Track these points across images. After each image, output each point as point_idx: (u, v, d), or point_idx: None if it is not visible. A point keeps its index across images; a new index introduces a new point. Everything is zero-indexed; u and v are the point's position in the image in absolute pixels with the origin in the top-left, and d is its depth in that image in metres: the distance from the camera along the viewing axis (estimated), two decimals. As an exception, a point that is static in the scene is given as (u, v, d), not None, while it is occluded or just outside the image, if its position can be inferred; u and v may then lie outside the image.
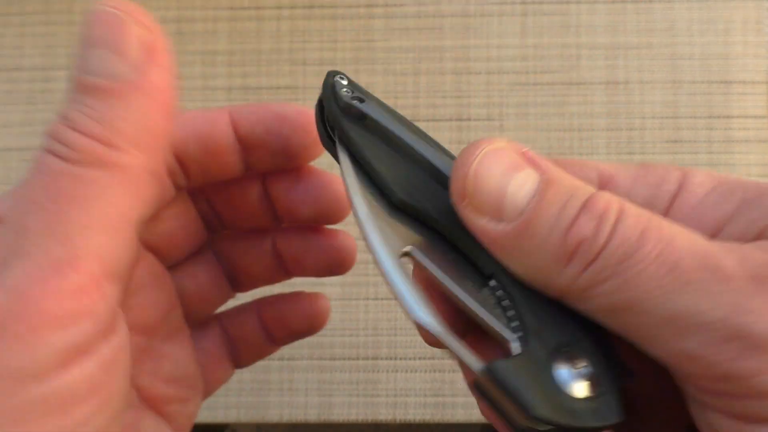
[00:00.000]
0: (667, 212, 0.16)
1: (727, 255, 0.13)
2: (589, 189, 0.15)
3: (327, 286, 0.42)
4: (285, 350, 0.42)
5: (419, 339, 0.42)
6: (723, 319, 0.13)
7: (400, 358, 0.41)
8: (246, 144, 0.21)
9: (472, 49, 0.42)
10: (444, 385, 0.41)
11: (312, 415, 0.41)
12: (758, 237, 0.15)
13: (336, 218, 0.24)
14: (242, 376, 0.41)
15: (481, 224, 0.15)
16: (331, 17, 0.43)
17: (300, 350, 0.41)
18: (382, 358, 0.41)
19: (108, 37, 0.15)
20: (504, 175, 0.15)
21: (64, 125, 0.15)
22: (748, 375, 0.12)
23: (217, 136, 0.20)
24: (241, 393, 0.41)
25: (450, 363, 0.41)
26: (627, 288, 0.13)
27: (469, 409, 0.41)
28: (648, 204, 0.16)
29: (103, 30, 0.15)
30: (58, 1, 0.43)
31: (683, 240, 0.14)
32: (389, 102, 0.42)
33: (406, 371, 0.41)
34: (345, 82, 0.20)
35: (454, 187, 0.16)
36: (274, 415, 0.41)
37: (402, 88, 0.42)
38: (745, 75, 0.42)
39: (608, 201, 0.14)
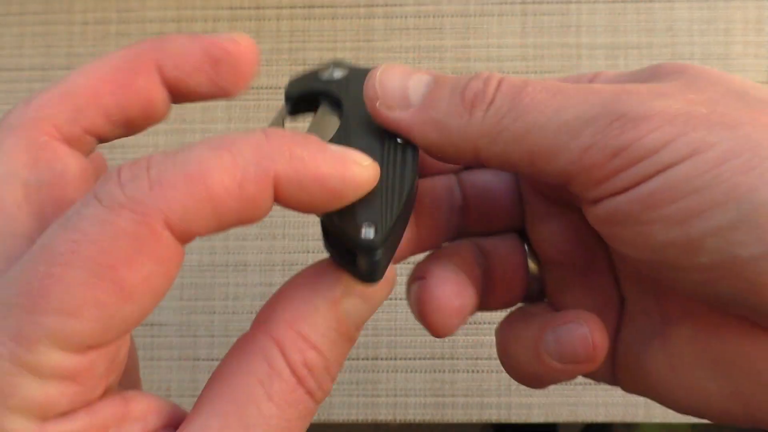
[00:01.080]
0: None
1: (599, 85, 0.17)
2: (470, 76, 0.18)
3: (327, 286, 0.42)
4: (285, 350, 0.42)
5: (419, 339, 0.42)
6: (603, 110, 0.15)
7: (400, 358, 0.41)
8: (174, 92, 0.19)
9: (472, 49, 0.42)
10: (444, 385, 0.41)
11: (312, 416, 0.41)
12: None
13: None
14: (242, 376, 0.41)
15: (393, 115, 0.18)
16: (331, 17, 0.43)
17: (300, 350, 0.41)
18: (382, 359, 0.41)
19: (375, 295, 0.18)
20: (403, 76, 0.18)
21: (325, 368, 0.17)
22: (631, 142, 0.15)
23: (143, 90, 0.18)
24: (241, 393, 0.41)
25: (450, 363, 0.41)
26: (525, 114, 0.16)
27: (469, 410, 0.41)
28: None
29: (370, 290, 0.18)
30: (58, 1, 0.43)
31: (561, 81, 0.17)
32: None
33: (406, 371, 0.41)
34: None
35: (367, 96, 0.18)
36: (273, 415, 0.41)
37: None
38: (746, 75, 0.42)
39: (490, 74, 0.17)
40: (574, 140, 0.16)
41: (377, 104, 0.18)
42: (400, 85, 0.18)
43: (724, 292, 0.16)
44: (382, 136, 0.19)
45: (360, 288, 0.17)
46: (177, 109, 0.43)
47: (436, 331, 0.20)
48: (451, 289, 0.20)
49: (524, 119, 0.16)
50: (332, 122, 0.20)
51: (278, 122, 0.21)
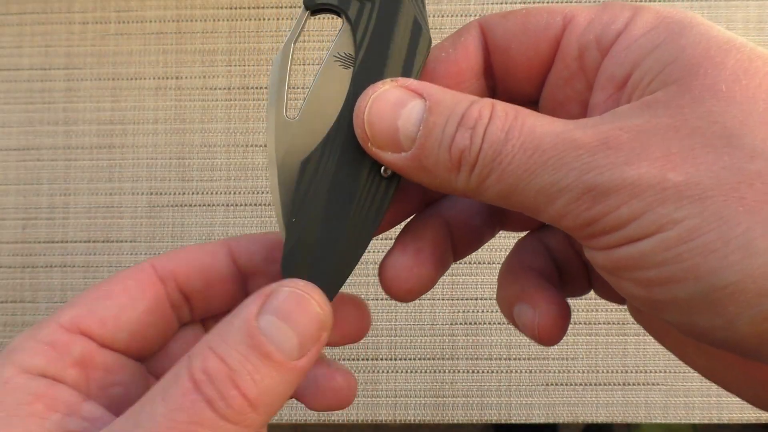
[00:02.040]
0: (607, 50, 0.18)
1: (581, 129, 0.16)
2: (466, 102, 0.17)
3: (327, 287, 0.42)
4: (285, 350, 0.42)
5: (419, 339, 0.42)
6: (575, 181, 0.16)
7: (400, 359, 0.41)
8: (246, 273, 0.22)
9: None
10: (444, 385, 0.41)
11: (312, 416, 0.41)
12: (636, 89, 0.17)
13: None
14: (242, 376, 0.41)
15: (388, 158, 0.18)
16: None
17: (300, 351, 0.41)
18: (382, 359, 0.41)
19: (292, 315, 0.17)
20: (392, 114, 0.18)
21: (228, 377, 0.16)
22: (602, 215, 0.16)
23: (217, 268, 0.21)
24: (241, 393, 0.41)
25: (450, 364, 0.41)
26: (505, 177, 0.17)
27: (469, 410, 0.41)
28: (597, 41, 0.18)
29: (290, 306, 0.17)
30: (57, 0, 0.43)
31: (543, 127, 0.16)
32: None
33: (406, 372, 0.41)
34: None
35: (357, 134, 0.19)
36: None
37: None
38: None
39: (480, 110, 0.17)
40: (550, 205, 0.16)
41: (368, 145, 0.18)
42: (389, 127, 0.18)
43: (695, 336, 0.16)
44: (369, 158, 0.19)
45: (278, 306, 0.17)
46: (177, 109, 0.43)
47: (396, 295, 0.21)
48: (408, 259, 0.21)
49: (505, 182, 0.17)
50: (337, 86, 0.20)
51: (295, 34, 0.21)
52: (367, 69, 0.20)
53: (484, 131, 0.17)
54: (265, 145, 0.20)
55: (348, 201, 0.19)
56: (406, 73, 0.20)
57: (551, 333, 0.21)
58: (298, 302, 0.18)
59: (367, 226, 0.20)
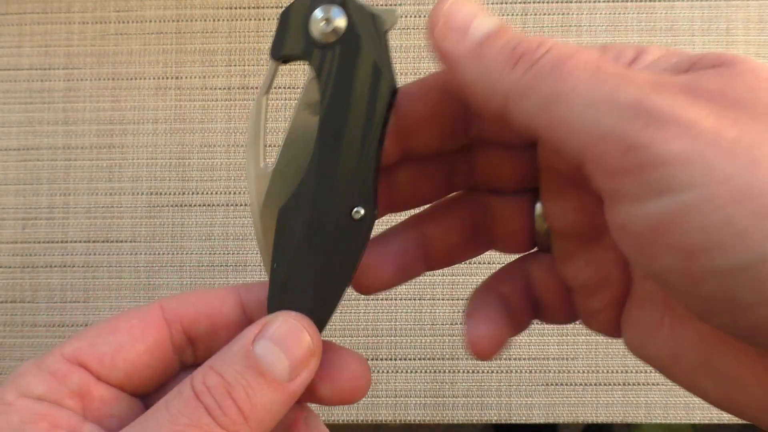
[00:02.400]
0: None
1: (638, 72, 0.16)
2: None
3: (327, 287, 0.42)
4: (285, 351, 0.42)
5: (419, 339, 0.42)
6: (634, 101, 0.15)
7: (400, 359, 0.41)
8: (253, 320, 0.22)
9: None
10: (444, 385, 0.41)
11: (312, 416, 0.41)
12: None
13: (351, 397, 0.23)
14: (242, 376, 0.41)
15: (447, 46, 0.18)
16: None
17: (300, 351, 0.41)
18: (382, 359, 0.41)
19: (285, 340, 0.19)
20: (470, 13, 0.18)
21: (225, 389, 0.18)
22: (649, 144, 0.15)
23: (225, 315, 0.22)
24: (241, 393, 0.41)
25: (450, 364, 0.41)
26: (560, 82, 0.16)
27: (470, 410, 0.41)
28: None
29: (283, 333, 0.19)
30: (57, 0, 0.43)
31: (605, 60, 0.17)
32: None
33: (407, 372, 0.41)
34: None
35: (431, 23, 0.19)
36: (273, 415, 0.41)
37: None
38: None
39: (548, 39, 0.18)
40: (596, 121, 0.15)
41: (435, 31, 0.18)
42: (464, 20, 0.18)
43: (722, 323, 0.16)
44: (344, 201, 0.20)
45: (272, 333, 0.19)
46: (177, 109, 0.43)
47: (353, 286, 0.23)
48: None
49: (560, 85, 0.16)
50: (307, 134, 0.20)
51: (266, 85, 0.22)
52: (331, 116, 0.20)
53: (550, 46, 0.17)
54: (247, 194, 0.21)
55: (323, 244, 0.20)
56: (370, 117, 0.20)
57: (479, 348, 0.22)
58: (290, 330, 0.20)
59: (346, 266, 0.20)
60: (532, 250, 0.24)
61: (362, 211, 0.20)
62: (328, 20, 0.20)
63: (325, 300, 0.21)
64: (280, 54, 0.21)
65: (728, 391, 0.18)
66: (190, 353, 0.22)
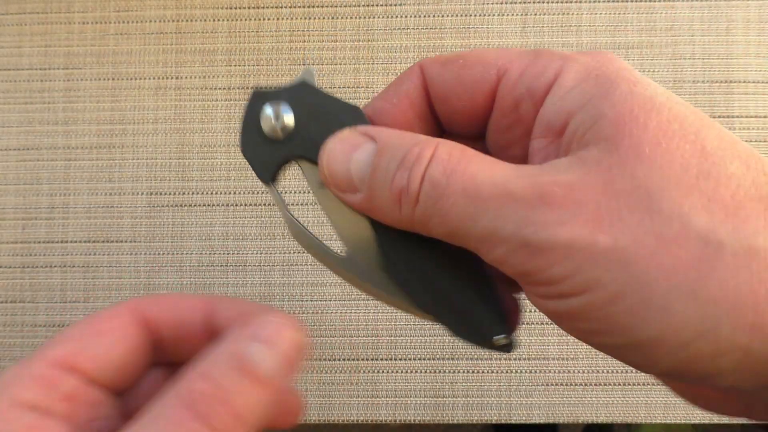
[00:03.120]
0: (540, 101, 0.19)
1: (520, 180, 0.17)
2: (409, 143, 0.19)
3: (327, 287, 0.42)
4: (285, 351, 0.42)
5: (419, 339, 0.42)
6: (513, 234, 0.17)
7: (400, 359, 0.41)
8: (220, 331, 0.22)
9: (472, 49, 0.42)
10: (444, 385, 0.41)
11: (312, 416, 0.41)
12: (572, 141, 0.18)
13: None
14: (242, 376, 0.41)
15: (347, 198, 0.20)
16: (331, 16, 0.43)
17: (300, 351, 0.41)
18: (381, 359, 0.41)
19: (272, 338, 0.19)
20: (345, 158, 0.20)
21: (219, 396, 0.18)
22: (537, 271, 0.17)
23: (193, 324, 0.22)
24: (241, 393, 0.41)
25: (450, 364, 0.41)
26: (448, 220, 0.18)
27: (470, 410, 0.41)
28: (530, 93, 0.20)
29: (269, 332, 0.19)
30: (57, 0, 0.43)
31: (485, 174, 0.17)
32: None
33: (406, 372, 0.41)
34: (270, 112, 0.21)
35: (321, 178, 0.20)
36: (273, 415, 0.41)
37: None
38: (747, 75, 0.42)
39: (420, 151, 0.18)
40: (491, 251, 0.18)
41: (331, 188, 0.20)
42: (343, 171, 0.20)
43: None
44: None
45: (266, 335, 0.19)
46: (177, 109, 0.43)
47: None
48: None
49: (447, 224, 0.18)
50: (342, 207, 0.21)
51: (282, 202, 0.22)
52: None
53: (423, 172, 0.18)
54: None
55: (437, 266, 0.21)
56: None
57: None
58: (278, 329, 0.19)
59: (464, 265, 0.21)
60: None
61: None
62: (277, 118, 0.21)
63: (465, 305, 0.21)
64: (269, 172, 0.21)
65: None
66: (158, 354, 0.22)
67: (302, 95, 0.21)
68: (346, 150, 0.20)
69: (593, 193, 0.16)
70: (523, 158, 0.21)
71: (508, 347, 0.21)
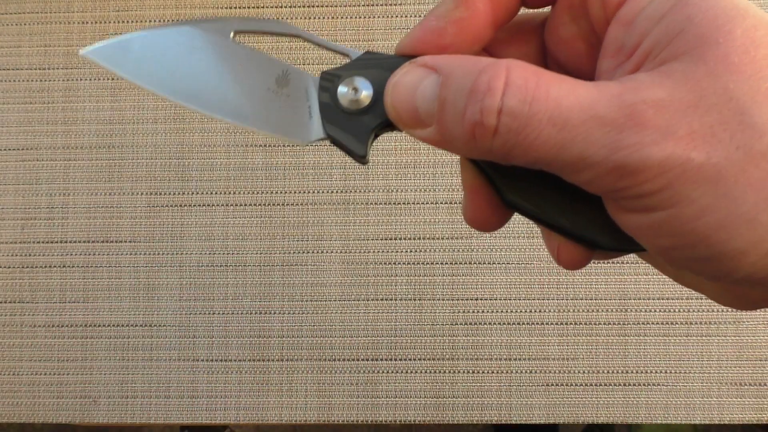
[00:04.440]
0: (613, 12, 0.19)
1: (607, 102, 0.17)
2: (474, 73, 0.17)
3: (327, 287, 0.41)
4: (284, 351, 0.42)
5: (419, 340, 0.42)
6: (604, 159, 0.16)
7: (400, 359, 0.41)
8: None
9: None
10: (444, 386, 0.41)
11: (312, 417, 0.41)
12: (646, 57, 0.18)
13: None
14: (241, 377, 0.41)
15: (418, 134, 0.19)
16: (331, 16, 0.43)
17: (299, 351, 0.41)
18: (382, 359, 0.41)
19: None
20: (410, 94, 0.19)
21: None
22: (625, 188, 0.17)
23: None
24: (240, 394, 0.41)
25: (450, 364, 0.41)
26: (533, 149, 0.17)
27: (470, 411, 0.41)
28: (602, 5, 0.19)
29: None
30: (57, 0, 0.43)
31: (570, 99, 0.17)
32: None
33: (407, 372, 0.41)
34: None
35: (390, 115, 0.20)
36: (273, 416, 0.41)
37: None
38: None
39: (489, 81, 0.17)
40: (577, 174, 0.17)
41: (401, 126, 0.19)
42: (410, 108, 0.19)
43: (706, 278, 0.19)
44: None
45: None
46: (177, 109, 0.42)
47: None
48: None
49: (531, 154, 0.17)
50: None
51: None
52: None
53: (499, 104, 0.17)
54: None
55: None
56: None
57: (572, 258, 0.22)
58: None
59: None
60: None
61: None
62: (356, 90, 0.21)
63: None
64: (365, 152, 0.21)
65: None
66: None
67: (370, 64, 0.21)
68: (408, 85, 0.19)
69: (685, 109, 0.16)
70: (587, 55, 0.20)
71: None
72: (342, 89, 0.21)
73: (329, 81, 0.21)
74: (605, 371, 0.40)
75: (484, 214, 0.21)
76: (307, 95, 0.21)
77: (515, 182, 0.20)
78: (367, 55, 0.21)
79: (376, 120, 0.21)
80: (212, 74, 0.21)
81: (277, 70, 0.22)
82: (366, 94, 0.20)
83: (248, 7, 0.43)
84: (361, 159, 0.21)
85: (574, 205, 0.20)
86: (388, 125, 0.21)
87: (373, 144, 0.22)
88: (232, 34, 0.21)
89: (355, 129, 0.21)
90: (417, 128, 0.19)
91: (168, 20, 0.43)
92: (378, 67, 0.21)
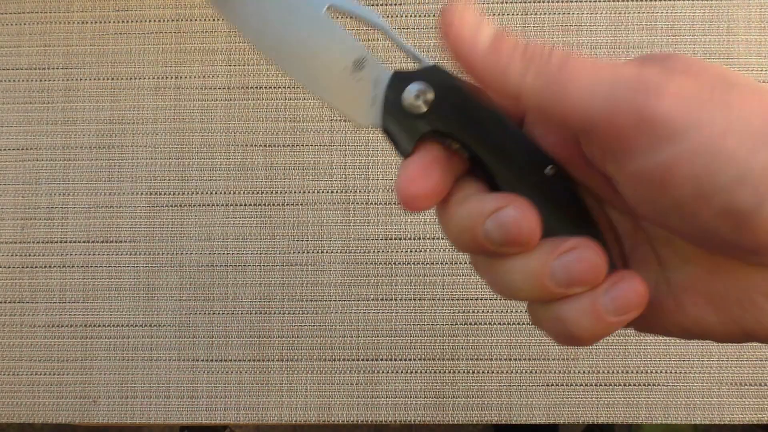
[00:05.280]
0: None
1: (629, 64, 0.20)
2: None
3: (327, 287, 0.41)
4: (284, 351, 0.42)
5: (420, 340, 0.42)
6: (632, 83, 0.19)
7: (401, 359, 0.41)
8: None
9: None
10: (444, 386, 0.41)
11: (312, 417, 0.41)
12: None
13: None
14: (241, 377, 0.41)
15: (463, 50, 0.21)
16: (330, 16, 0.43)
17: (299, 351, 0.41)
18: (382, 359, 0.41)
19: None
20: (477, 20, 0.21)
21: None
22: (652, 108, 0.19)
23: None
24: (240, 394, 0.41)
25: (450, 364, 0.41)
26: (570, 79, 0.20)
27: (470, 411, 0.41)
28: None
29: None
30: (56, 0, 0.43)
31: (597, 60, 0.20)
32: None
33: (407, 372, 0.41)
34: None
35: (444, 23, 0.21)
36: (273, 416, 0.41)
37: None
38: (749, 74, 0.42)
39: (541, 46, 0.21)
40: (606, 101, 0.19)
41: (450, 38, 0.21)
42: (473, 25, 0.21)
43: (727, 237, 0.20)
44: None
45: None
46: (176, 109, 0.42)
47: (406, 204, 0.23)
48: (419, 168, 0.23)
49: (570, 83, 0.20)
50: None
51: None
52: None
53: (552, 47, 0.21)
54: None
55: None
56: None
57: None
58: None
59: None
60: None
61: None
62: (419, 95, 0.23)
63: None
64: (409, 150, 0.23)
65: (730, 311, 0.22)
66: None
67: (435, 76, 0.23)
68: (478, 16, 0.21)
69: (681, 69, 0.20)
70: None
71: None
72: (408, 92, 0.23)
73: (399, 81, 0.23)
74: (605, 371, 0.40)
75: (437, 186, 0.23)
76: (376, 84, 0.23)
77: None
78: (434, 67, 0.23)
79: (429, 126, 0.23)
80: (301, 40, 0.23)
81: (357, 53, 0.24)
82: (426, 100, 0.23)
83: (248, 7, 0.43)
84: (404, 154, 0.23)
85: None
86: (436, 133, 0.23)
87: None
88: (326, 7, 0.24)
89: (408, 129, 0.23)
90: (464, 47, 0.21)
91: (168, 20, 0.43)
92: (442, 80, 0.23)
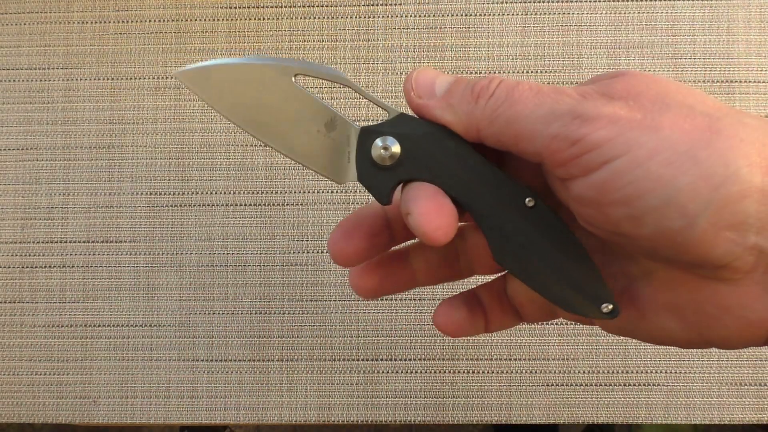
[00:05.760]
0: None
1: (565, 88, 0.22)
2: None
3: (327, 287, 0.41)
4: (284, 351, 0.42)
5: (419, 340, 0.42)
6: (568, 110, 0.21)
7: (400, 359, 0.41)
8: None
9: (472, 48, 0.42)
10: (444, 386, 0.41)
11: (311, 417, 0.41)
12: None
13: None
14: (241, 377, 0.41)
15: (422, 102, 0.24)
16: (331, 16, 0.43)
17: (299, 351, 0.41)
18: (382, 359, 0.41)
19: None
20: (432, 76, 0.24)
21: None
22: (585, 135, 0.20)
23: None
24: (240, 394, 0.41)
25: (450, 364, 0.41)
26: (514, 105, 0.22)
27: (470, 411, 0.41)
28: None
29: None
30: (56, 0, 0.43)
31: (542, 87, 0.22)
32: (389, 101, 0.42)
33: (407, 372, 0.41)
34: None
35: (406, 89, 0.24)
36: (273, 416, 0.41)
37: (402, 88, 0.42)
38: (748, 74, 0.42)
39: (496, 75, 0.23)
40: (546, 129, 0.21)
41: (411, 94, 0.24)
42: (429, 82, 0.24)
43: (666, 254, 0.21)
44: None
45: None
46: (176, 109, 0.42)
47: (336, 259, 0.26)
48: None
49: (514, 108, 0.22)
50: None
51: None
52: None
53: (500, 80, 0.23)
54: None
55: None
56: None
57: (442, 323, 0.27)
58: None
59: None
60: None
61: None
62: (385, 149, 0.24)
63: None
64: (387, 200, 0.25)
65: (689, 320, 0.23)
66: None
67: (402, 126, 0.24)
68: (433, 73, 0.25)
69: (621, 92, 0.21)
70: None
71: (615, 312, 0.23)
72: (375, 147, 0.24)
73: (366, 136, 0.24)
74: (605, 371, 0.40)
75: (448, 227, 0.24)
76: (348, 142, 0.25)
77: (509, 245, 0.24)
78: (401, 117, 0.25)
79: (400, 176, 0.24)
80: (275, 111, 0.25)
81: (327, 115, 0.25)
82: (394, 152, 0.24)
83: (248, 7, 0.43)
84: (383, 203, 0.25)
85: (558, 266, 0.24)
86: (410, 181, 0.24)
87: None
88: (293, 77, 0.25)
89: (382, 181, 0.24)
90: (425, 97, 0.24)
91: (168, 20, 0.43)
92: (408, 129, 0.24)
